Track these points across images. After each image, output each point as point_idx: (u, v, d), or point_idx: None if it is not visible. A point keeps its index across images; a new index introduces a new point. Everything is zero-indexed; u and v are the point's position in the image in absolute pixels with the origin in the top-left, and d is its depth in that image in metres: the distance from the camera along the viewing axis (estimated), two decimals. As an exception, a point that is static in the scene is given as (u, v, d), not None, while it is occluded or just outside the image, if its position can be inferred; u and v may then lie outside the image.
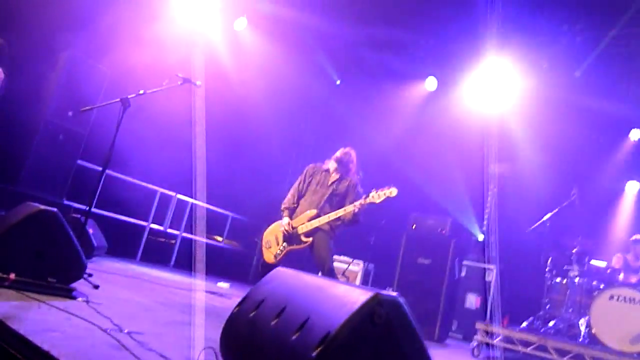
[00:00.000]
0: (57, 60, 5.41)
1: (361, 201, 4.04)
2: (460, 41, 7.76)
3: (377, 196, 4.03)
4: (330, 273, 4.09)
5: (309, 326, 1.29)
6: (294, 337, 1.30)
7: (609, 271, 5.31)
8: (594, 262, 5.43)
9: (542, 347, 4.58)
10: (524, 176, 7.23)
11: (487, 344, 4.91)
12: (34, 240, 2.43)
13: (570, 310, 5.45)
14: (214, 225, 8.62)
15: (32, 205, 2.57)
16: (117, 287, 3.45)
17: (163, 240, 7.85)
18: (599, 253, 5.65)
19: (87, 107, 3.39)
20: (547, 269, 5.98)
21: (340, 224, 4.28)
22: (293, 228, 4.21)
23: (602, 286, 5.15)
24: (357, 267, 6.44)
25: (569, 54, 6.91)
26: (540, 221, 5.59)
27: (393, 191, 4.02)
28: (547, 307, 5.84)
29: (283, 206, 4.45)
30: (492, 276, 7.00)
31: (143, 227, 7.00)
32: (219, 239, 8.90)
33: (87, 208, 3.30)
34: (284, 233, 4.25)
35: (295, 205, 4.42)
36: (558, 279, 5.91)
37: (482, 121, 7.78)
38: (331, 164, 4.46)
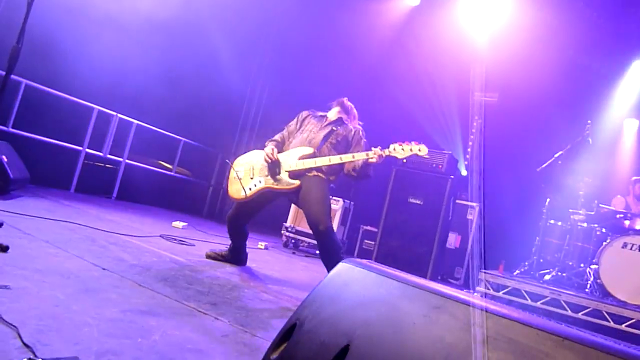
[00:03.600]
0: None
1: (379, 152, 3.09)
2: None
3: (400, 150, 3.11)
4: (329, 237, 3.06)
5: None
6: None
7: (618, 216, 4.80)
8: (602, 206, 4.91)
9: (554, 302, 4.07)
10: (516, 109, 6.53)
11: (491, 296, 4.37)
12: None
13: (571, 256, 5.00)
14: (163, 151, 7.49)
15: None
16: (38, 245, 2.43)
17: (102, 164, 6.67)
18: (604, 196, 5.12)
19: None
20: (543, 210, 5.47)
21: (340, 174, 3.36)
22: (277, 160, 3.26)
23: (610, 233, 4.67)
24: (335, 205, 5.64)
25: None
26: (551, 159, 4.94)
27: (423, 149, 3.14)
28: (540, 251, 5.38)
29: (268, 141, 3.47)
30: (474, 214, 6.49)
31: (78, 153, 5.79)
32: (169, 166, 7.80)
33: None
34: (262, 164, 3.27)
35: (283, 145, 3.47)
36: (552, 221, 5.41)
37: (471, 43, 6.93)
38: (330, 113, 3.54)
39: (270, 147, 3.33)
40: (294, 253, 5.39)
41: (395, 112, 6.68)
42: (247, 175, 3.30)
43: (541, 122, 6.13)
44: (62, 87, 5.40)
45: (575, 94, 6.07)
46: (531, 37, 6.60)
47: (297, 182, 3.17)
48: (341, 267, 0.95)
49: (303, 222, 5.75)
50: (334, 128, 3.38)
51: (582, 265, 4.82)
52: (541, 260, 5.24)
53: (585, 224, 4.98)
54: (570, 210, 5.08)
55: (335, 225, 5.53)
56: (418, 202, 5.01)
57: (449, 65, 6.95)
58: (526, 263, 5.23)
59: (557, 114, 5.89)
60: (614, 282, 4.30)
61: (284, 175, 3.22)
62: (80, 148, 5.80)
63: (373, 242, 5.44)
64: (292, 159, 3.24)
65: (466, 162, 7.24)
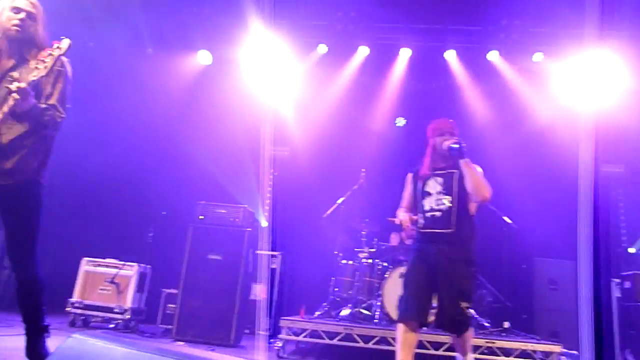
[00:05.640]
0: None
1: (17, 87, 2.20)
2: (232, 13, 7.06)
3: (42, 67, 2.31)
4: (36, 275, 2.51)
5: None
6: None
7: (394, 251, 5.49)
8: (382, 243, 5.56)
9: (348, 337, 4.38)
10: (309, 159, 7.09)
11: (294, 341, 4.50)
12: None
13: (361, 292, 5.48)
14: None
15: None
16: None
17: None
18: (385, 234, 5.82)
19: None
20: (335, 252, 5.95)
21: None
22: None
23: (390, 266, 5.30)
24: (130, 270, 5.24)
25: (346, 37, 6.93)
26: (334, 206, 5.45)
27: (63, 43, 2.33)
28: (336, 289, 5.78)
29: None
30: (277, 264, 6.69)
31: None
32: None
33: None
34: None
35: None
36: (344, 261, 5.91)
37: (261, 101, 7.34)
38: None
39: None
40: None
41: (191, 171, 6.61)
42: None
43: (327, 172, 6.75)
44: None
45: (352, 145, 6.88)
46: (315, 93, 7.30)
47: None
48: (71, 341, 0.87)
49: (94, 293, 5.19)
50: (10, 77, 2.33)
51: (370, 298, 5.33)
52: (338, 299, 5.63)
53: (370, 260, 5.55)
54: (356, 250, 5.63)
55: (130, 293, 5.12)
56: (217, 257, 4.98)
57: (242, 121, 7.20)
58: (325, 304, 5.56)
59: (339, 164, 6.57)
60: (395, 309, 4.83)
61: None
62: None
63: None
64: None
65: (266, 214, 7.49)
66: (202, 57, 8.01)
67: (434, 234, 3.07)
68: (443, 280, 2.96)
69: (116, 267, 5.19)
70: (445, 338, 4.30)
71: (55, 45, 2.35)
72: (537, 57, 6.45)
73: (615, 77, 6.33)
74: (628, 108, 6.41)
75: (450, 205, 3.06)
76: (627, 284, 4.74)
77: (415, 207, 3.24)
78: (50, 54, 2.32)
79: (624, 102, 6.41)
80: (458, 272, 2.97)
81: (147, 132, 6.82)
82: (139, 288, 5.30)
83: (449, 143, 3.03)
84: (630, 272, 4.75)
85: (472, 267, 3.06)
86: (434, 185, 3.14)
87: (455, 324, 2.96)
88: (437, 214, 3.08)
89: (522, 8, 5.99)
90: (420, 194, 3.19)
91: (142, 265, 5.39)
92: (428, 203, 3.13)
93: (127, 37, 7.34)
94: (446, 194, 3.09)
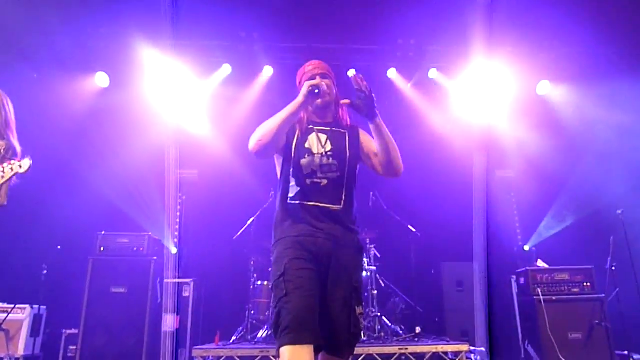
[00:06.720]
0: None
1: None
2: (130, 33, 6.79)
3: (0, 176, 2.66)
4: None
5: None
6: None
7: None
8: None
9: (265, 359, 4.29)
10: (218, 181, 6.95)
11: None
12: None
13: (277, 312, 5.40)
14: None
15: None
16: None
17: None
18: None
19: None
20: (250, 273, 5.83)
21: None
22: None
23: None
24: (21, 314, 4.76)
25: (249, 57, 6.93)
26: (245, 227, 5.35)
27: (25, 163, 2.73)
28: (252, 312, 5.66)
29: None
30: (189, 291, 6.44)
31: None
32: None
33: None
34: None
35: None
36: (260, 282, 5.82)
37: (165, 123, 7.10)
38: None
39: None
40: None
41: (89, 200, 6.18)
42: None
43: (237, 193, 6.65)
44: None
45: (261, 164, 6.81)
46: (222, 114, 7.17)
47: None
48: None
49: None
50: None
51: (287, 317, 5.26)
52: (254, 322, 5.51)
53: (284, 279, 5.49)
54: (269, 269, 5.54)
55: (22, 339, 4.64)
56: (122, 290, 4.68)
57: (144, 145, 6.89)
58: (241, 328, 5.42)
59: (248, 184, 6.50)
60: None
61: None
62: None
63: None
64: None
65: (176, 240, 7.19)
66: (99, 79, 7.61)
67: (317, 210, 2.15)
68: (335, 278, 2.09)
69: (4, 311, 4.69)
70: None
71: (18, 163, 2.71)
72: (432, 73, 6.86)
73: (503, 90, 6.93)
74: (514, 117, 7.06)
75: (339, 173, 2.23)
76: (522, 280, 5.10)
77: (286, 167, 2.30)
78: (11, 169, 2.68)
79: (511, 111, 7.05)
80: (352, 264, 2.16)
81: (38, 160, 6.30)
82: (33, 332, 4.83)
83: (309, 85, 2.20)
84: (523, 269, 5.11)
85: (363, 257, 2.25)
86: (317, 144, 2.25)
87: (350, 340, 2.08)
88: (323, 181, 2.19)
89: (416, 28, 6.33)
90: (298, 151, 2.25)
91: (36, 306, 4.93)
92: (309, 165, 2.21)
93: (17, 58, 6.78)
94: (334, 158, 2.24)
